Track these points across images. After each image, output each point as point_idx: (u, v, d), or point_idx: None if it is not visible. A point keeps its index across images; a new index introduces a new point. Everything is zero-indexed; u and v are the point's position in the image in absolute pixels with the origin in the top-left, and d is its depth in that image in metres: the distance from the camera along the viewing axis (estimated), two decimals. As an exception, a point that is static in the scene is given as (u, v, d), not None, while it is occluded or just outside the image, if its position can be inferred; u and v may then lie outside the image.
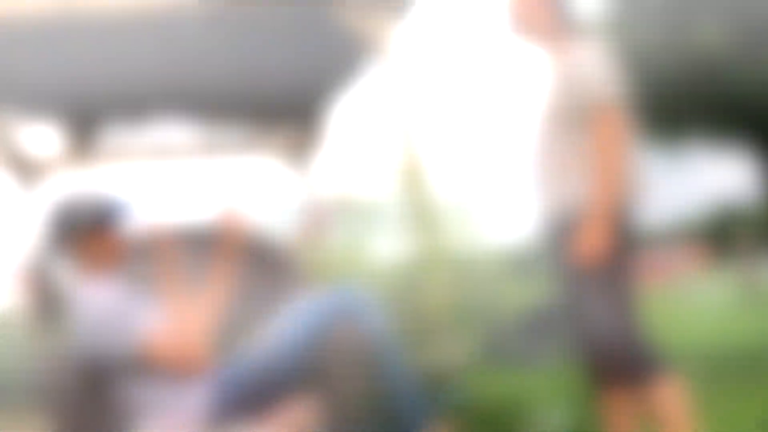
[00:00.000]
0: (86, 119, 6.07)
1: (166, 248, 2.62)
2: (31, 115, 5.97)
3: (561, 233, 2.28)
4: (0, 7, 4.18)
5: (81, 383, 1.97)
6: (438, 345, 2.96)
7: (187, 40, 4.68)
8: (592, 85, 2.24)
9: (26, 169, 6.33)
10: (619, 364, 2.21)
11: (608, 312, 2.21)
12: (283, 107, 6.14)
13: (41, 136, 6.43)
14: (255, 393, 2.02)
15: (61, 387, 1.97)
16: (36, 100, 5.60)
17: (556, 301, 2.44)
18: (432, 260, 4.03)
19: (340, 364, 2.04)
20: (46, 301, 1.99)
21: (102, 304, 1.92)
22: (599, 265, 2.20)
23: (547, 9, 2.38)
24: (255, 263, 2.87)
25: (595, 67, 2.26)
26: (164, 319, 1.93)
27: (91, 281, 1.97)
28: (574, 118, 2.26)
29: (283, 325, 2.05)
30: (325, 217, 5.55)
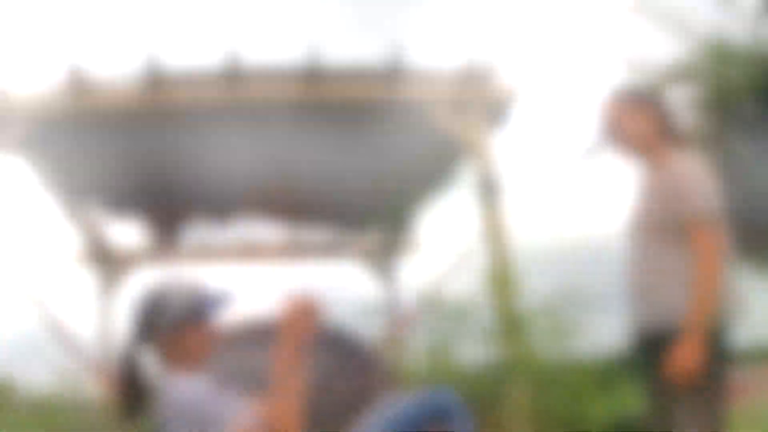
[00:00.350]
0: (172, 217, 6.21)
1: (247, 342, 2.63)
2: (117, 211, 6.14)
3: (654, 347, 2.22)
4: (84, 102, 4.36)
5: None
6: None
7: (274, 140, 4.79)
8: (691, 198, 2.21)
9: (113, 264, 6.48)
10: None
11: (697, 428, 2.15)
12: (372, 209, 6.20)
13: (127, 233, 6.59)
14: None
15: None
16: (123, 196, 5.77)
17: (643, 415, 2.38)
18: (517, 367, 3.97)
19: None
20: (135, 395, 2.00)
21: (189, 397, 1.92)
22: (691, 381, 2.14)
23: (649, 121, 2.37)
24: (335, 357, 2.86)
25: (695, 179, 2.24)
26: (251, 412, 1.92)
27: (179, 374, 1.98)
28: (672, 230, 2.24)
29: (374, 426, 2.04)
30: (410, 321, 5.53)
